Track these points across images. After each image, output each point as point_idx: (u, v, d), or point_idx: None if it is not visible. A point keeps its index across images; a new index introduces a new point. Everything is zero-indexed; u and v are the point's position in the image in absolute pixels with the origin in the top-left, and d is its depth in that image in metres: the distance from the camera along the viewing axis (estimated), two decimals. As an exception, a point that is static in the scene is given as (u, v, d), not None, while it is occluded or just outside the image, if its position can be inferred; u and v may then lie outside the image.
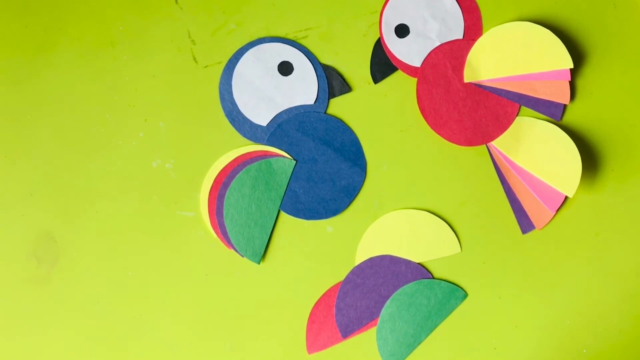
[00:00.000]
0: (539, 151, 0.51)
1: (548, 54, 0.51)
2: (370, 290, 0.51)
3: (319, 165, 0.52)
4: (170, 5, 0.53)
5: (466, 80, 0.52)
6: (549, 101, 0.52)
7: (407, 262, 0.51)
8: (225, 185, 0.52)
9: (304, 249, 0.52)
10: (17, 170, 0.52)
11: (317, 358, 0.52)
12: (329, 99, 0.53)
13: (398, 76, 0.53)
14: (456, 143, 0.52)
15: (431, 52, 0.52)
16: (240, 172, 0.52)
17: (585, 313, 0.52)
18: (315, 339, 0.51)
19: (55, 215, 0.52)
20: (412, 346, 0.51)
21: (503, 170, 0.52)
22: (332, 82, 0.52)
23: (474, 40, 0.52)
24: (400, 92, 0.53)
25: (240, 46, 0.53)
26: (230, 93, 0.52)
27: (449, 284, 0.51)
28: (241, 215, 0.52)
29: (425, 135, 0.52)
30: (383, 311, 0.51)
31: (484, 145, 0.52)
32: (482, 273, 0.52)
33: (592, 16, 0.53)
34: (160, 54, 0.53)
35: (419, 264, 0.51)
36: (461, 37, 0.52)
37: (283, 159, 0.52)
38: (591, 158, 0.52)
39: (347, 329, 0.51)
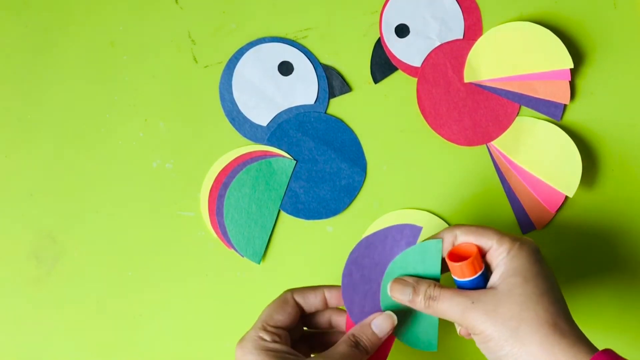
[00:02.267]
0: (539, 151, 0.51)
1: (548, 54, 0.51)
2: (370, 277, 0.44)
3: (319, 165, 0.52)
4: (170, 5, 0.53)
5: (466, 80, 0.52)
6: (549, 101, 0.52)
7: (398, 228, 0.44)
8: (225, 185, 0.52)
9: (304, 249, 0.52)
10: (17, 170, 0.52)
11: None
12: (329, 99, 0.52)
13: (398, 76, 0.53)
14: (456, 143, 0.52)
15: (431, 52, 0.52)
16: (240, 172, 0.52)
17: (585, 312, 0.52)
18: None
19: (55, 215, 0.52)
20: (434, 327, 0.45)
21: (503, 170, 0.52)
22: (332, 82, 0.52)
23: (474, 40, 0.52)
24: (400, 92, 0.53)
25: (240, 46, 0.53)
26: (230, 93, 0.52)
27: (421, 244, 0.44)
28: (241, 215, 0.52)
29: (425, 135, 0.52)
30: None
31: (484, 145, 0.52)
32: (482, 273, 0.52)
33: (592, 16, 0.53)
34: (160, 54, 0.53)
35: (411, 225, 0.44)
36: (461, 37, 0.52)
37: (283, 159, 0.52)
38: (591, 158, 0.52)
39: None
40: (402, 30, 0.52)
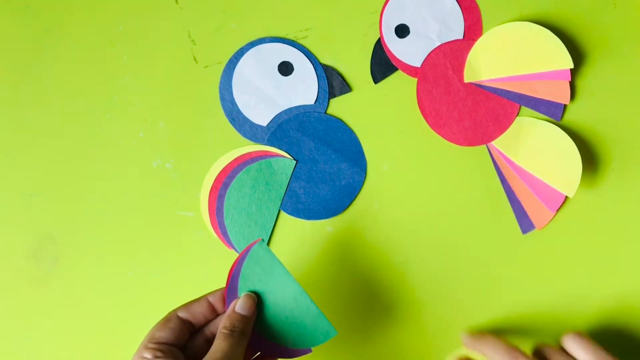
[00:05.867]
0: (539, 151, 0.51)
1: (548, 54, 0.51)
2: None
3: (319, 165, 0.52)
4: (170, 5, 0.53)
5: (466, 80, 0.52)
6: (549, 101, 0.52)
7: None
8: (225, 185, 0.52)
9: (304, 249, 0.52)
10: (17, 170, 0.52)
11: (315, 357, 0.52)
12: (329, 99, 0.53)
13: (398, 76, 0.53)
14: (456, 143, 0.52)
15: (431, 52, 0.52)
16: (241, 172, 0.52)
17: (585, 312, 0.52)
18: None
19: (55, 215, 0.52)
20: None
21: (503, 170, 0.52)
22: (332, 82, 0.53)
23: (474, 40, 0.52)
24: (400, 92, 0.53)
25: (240, 46, 0.53)
26: (230, 93, 0.52)
27: (249, 253, 0.44)
28: (241, 215, 0.52)
29: (425, 135, 0.52)
30: None
31: (484, 145, 0.52)
32: (483, 273, 0.52)
33: (592, 16, 0.53)
34: (160, 54, 0.53)
35: None
36: (461, 37, 0.52)
37: (283, 159, 0.52)
38: (591, 158, 0.52)
39: None
40: (402, 30, 0.52)
